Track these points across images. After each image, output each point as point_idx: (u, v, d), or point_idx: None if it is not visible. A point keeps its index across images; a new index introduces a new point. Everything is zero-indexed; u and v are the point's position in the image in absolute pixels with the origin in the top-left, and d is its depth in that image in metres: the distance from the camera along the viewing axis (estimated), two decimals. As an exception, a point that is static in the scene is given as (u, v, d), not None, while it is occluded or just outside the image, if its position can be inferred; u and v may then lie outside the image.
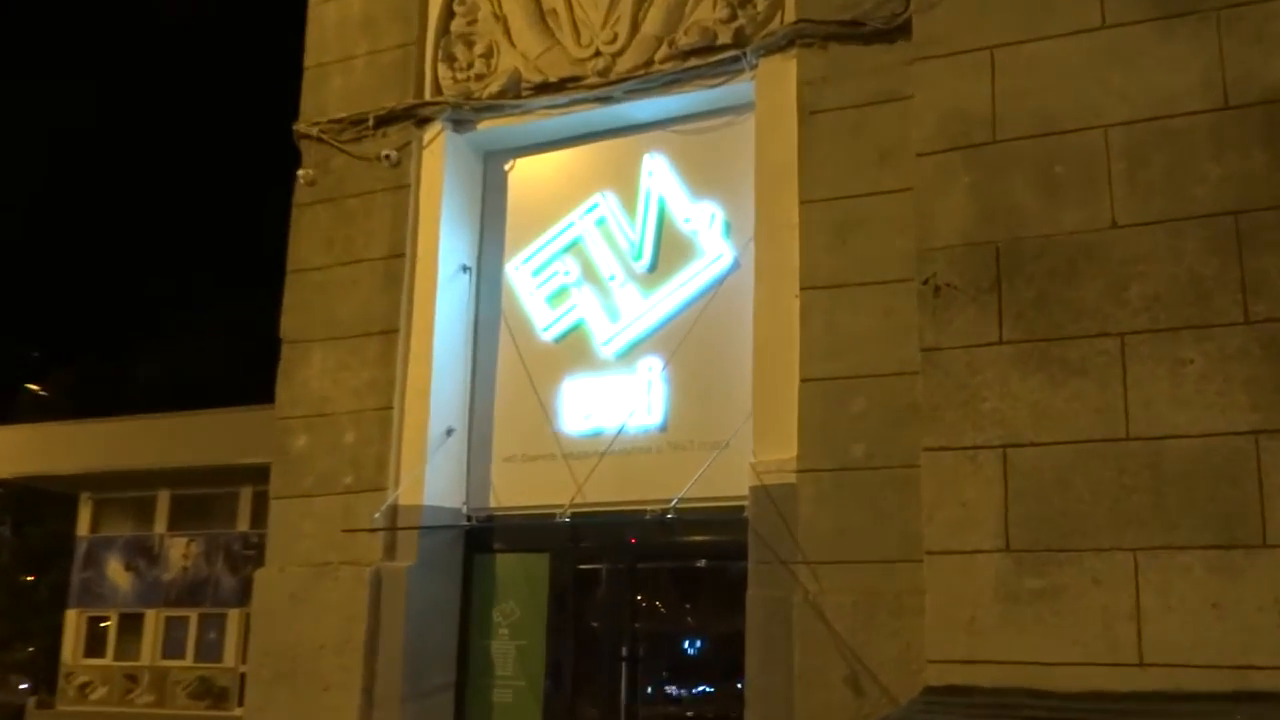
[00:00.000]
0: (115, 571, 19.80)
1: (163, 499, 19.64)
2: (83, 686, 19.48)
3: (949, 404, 5.83)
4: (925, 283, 6.03)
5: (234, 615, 18.44)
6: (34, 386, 27.21)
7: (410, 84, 8.75)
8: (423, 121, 8.66)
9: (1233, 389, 5.32)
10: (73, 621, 20.02)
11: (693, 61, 7.84)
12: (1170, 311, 5.50)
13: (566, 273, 8.39)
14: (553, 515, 7.86)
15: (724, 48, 7.73)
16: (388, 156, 8.62)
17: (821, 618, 6.48)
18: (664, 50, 7.97)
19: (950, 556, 5.68)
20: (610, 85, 8.13)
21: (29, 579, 23.72)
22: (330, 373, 8.48)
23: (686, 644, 8.29)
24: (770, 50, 7.52)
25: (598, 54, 8.20)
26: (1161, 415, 5.41)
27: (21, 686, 22.48)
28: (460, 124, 8.66)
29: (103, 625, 19.85)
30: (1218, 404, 5.34)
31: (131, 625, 19.43)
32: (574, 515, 7.83)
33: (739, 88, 7.74)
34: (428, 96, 8.72)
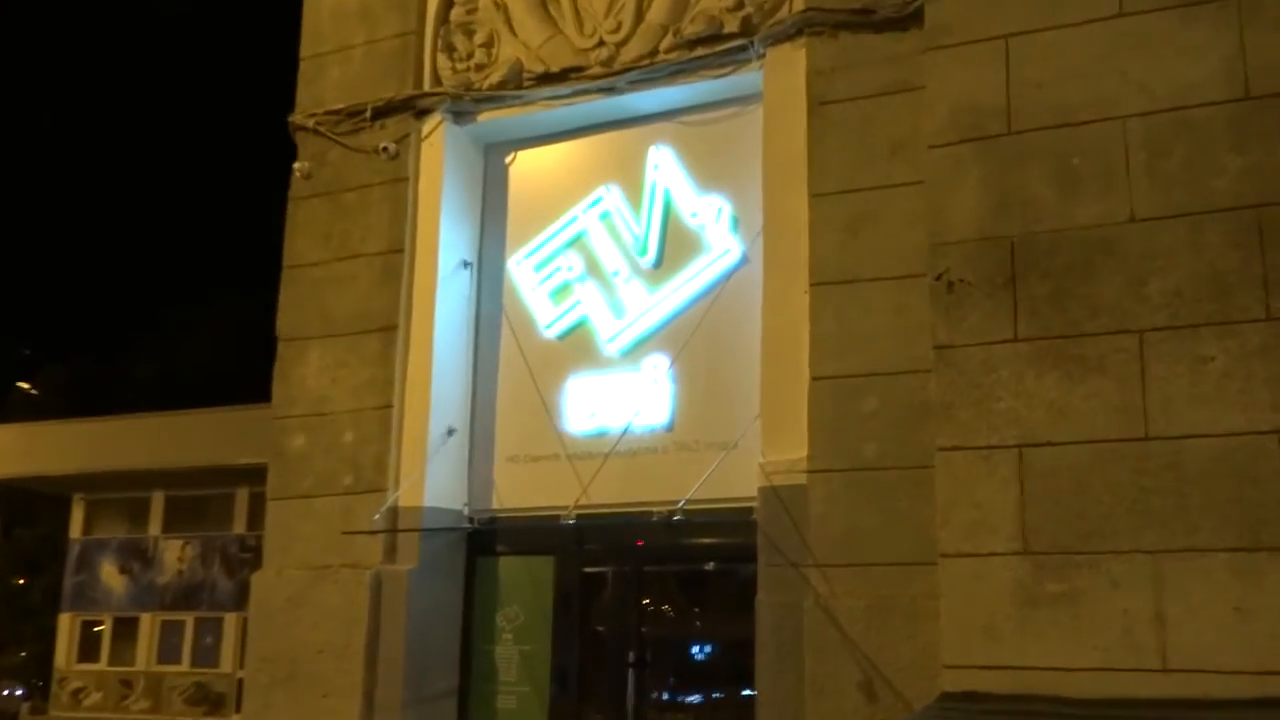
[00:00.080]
0: (109, 574, 19.84)
1: (157, 500, 19.66)
2: (76, 692, 19.53)
3: (963, 403, 5.82)
4: (938, 278, 6.02)
5: (231, 619, 18.47)
6: (25, 385, 27.25)
7: (409, 74, 8.75)
8: (422, 113, 8.66)
9: (1255, 387, 5.31)
10: (66, 626, 20.06)
11: (699, 51, 7.83)
12: (1191, 307, 5.48)
13: (570, 268, 8.39)
14: (557, 517, 7.86)
15: (731, 36, 7.72)
16: (386, 149, 8.61)
17: (833, 622, 6.48)
18: (669, 39, 7.96)
19: (966, 559, 5.67)
20: (614, 75, 8.12)
21: (20, 582, 23.78)
22: (328, 371, 8.49)
23: (695, 649, 8.29)
24: (778, 39, 7.50)
25: (601, 43, 8.19)
26: (1182, 414, 5.40)
27: (14, 693, 22.54)
28: (460, 115, 8.66)
29: (96, 629, 19.89)
30: (1240, 402, 5.32)
31: (126, 629, 19.47)
32: (579, 517, 7.83)
33: (746, 78, 7.72)
34: (427, 87, 8.71)
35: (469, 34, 8.69)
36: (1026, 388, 5.71)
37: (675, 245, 8.10)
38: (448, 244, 8.52)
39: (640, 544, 7.98)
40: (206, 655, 18.76)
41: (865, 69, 7.11)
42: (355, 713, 7.78)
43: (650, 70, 8.01)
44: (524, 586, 8.27)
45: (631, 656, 7.93)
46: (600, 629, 8.16)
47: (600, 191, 8.39)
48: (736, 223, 7.88)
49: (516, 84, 8.44)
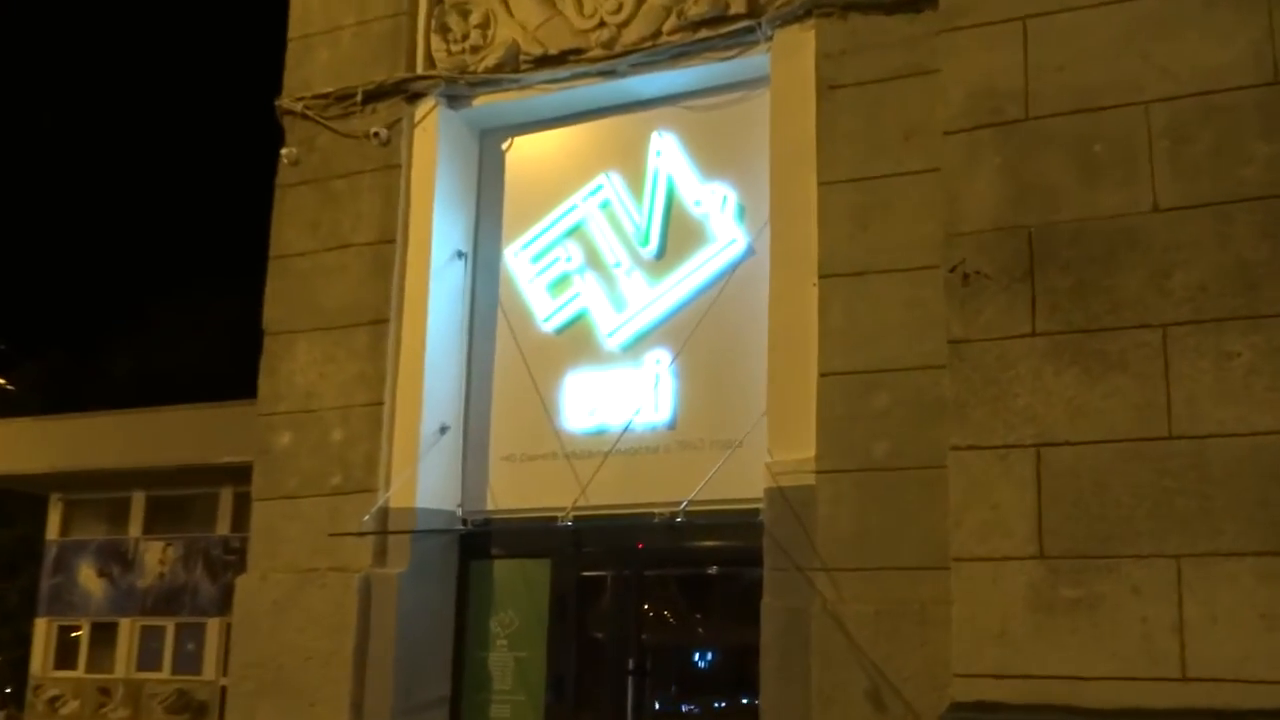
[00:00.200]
0: (87, 578, 19.84)
1: (138, 500, 19.65)
2: (53, 700, 19.53)
3: (978, 400, 5.83)
4: (953, 270, 6.02)
5: (214, 624, 18.46)
6: (0, 381, 27.29)
7: (401, 57, 8.75)
8: (414, 97, 8.66)
9: (1283, 384, 5.31)
10: (42, 631, 20.06)
11: (703, 33, 7.83)
12: (1216, 301, 5.49)
13: (568, 259, 8.40)
14: (554, 518, 7.86)
15: (737, 18, 7.72)
16: (377, 134, 8.62)
17: (841, 628, 6.49)
18: (672, 20, 7.96)
19: (979, 563, 5.68)
20: (615, 58, 8.12)
21: (-5, 586, 23.79)
22: (316, 366, 8.50)
23: (697, 656, 8.31)
24: (786, 20, 7.51)
25: (602, 24, 8.19)
26: (1206, 412, 5.40)
27: (-12, 700, 22.57)
28: (455, 99, 8.67)
29: (74, 635, 19.89)
30: (1267, 400, 5.32)
31: (104, 635, 19.47)
32: (577, 518, 7.83)
33: (753, 61, 7.73)
34: (420, 70, 8.72)
35: (464, 14, 8.70)
36: (1044, 384, 5.71)
37: (678, 235, 8.11)
38: (441, 233, 8.53)
39: (640, 547, 7.99)
40: (188, 662, 18.75)
41: (877, 51, 7.11)
42: (343, 722, 7.79)
43: (653, 53, 8.01)
44: (519, 591, 8.28)
45: (631, 664, 7.94)
46: (598, 635, 8.17)
47: (600, 179, 8.40)
48: (742, 212, 7.89)
49: (513, 67, 8.44)
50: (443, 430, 8.31)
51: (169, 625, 18.99)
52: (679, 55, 7.96)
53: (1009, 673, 5.52)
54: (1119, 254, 5.70)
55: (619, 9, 8.14)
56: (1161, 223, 5.66)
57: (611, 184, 8.36)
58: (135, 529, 19.68)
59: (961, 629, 5.68)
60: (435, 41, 8.76)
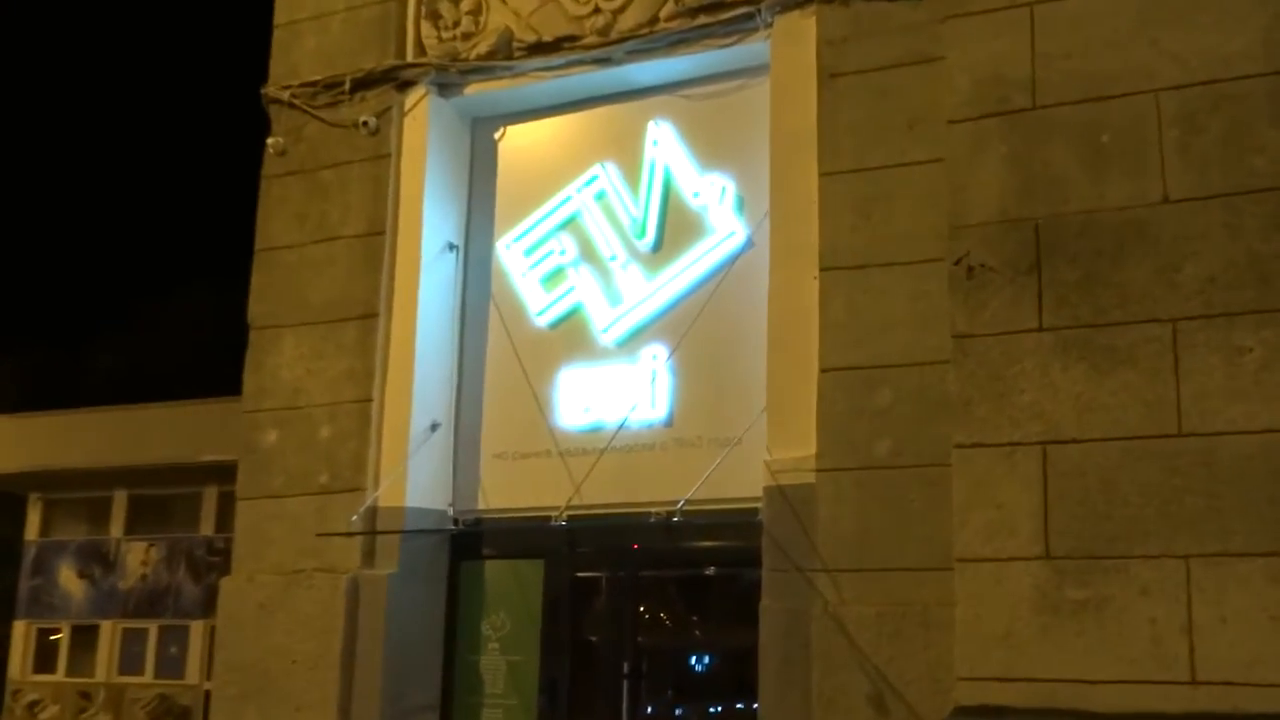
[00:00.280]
0: (67, 579, 19.82)
1: (119, 500, 19.63)
2: (32, 705, 19.52)
3: (983, 396, 5.84)
4: (957, 263, 6.03)
5: (197, 627, 18.44)
6: (-23, 376, 27.23)
7: (390, 43, 8.75)
8: (404, 85, 8.66)
9: (1295, 380, 5.33)
10: (20, 633, 20.04)
11: (701, 19, 7.83)
12: (1227, 295, 5.50)
13: (562, 252, 8.40)
14: (547, 518, 7.87)
15: (736, 4, 7.72)
16: (366, 123, 8.61)
17: (842, 631, 6.50)
18: (670, 7, 7.96)
19: (984, 564, 5.69)
20: (610, 45, 8.12)
21: (-27, 587, 23.76)
22: (303, 361, 8.50)
23: (694, 660, 8.32)
24: (787, 7, 7.50)
25: (597, 10, 8.19)
26: (1217, 409, 5.41)
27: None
28: (445, 88, 8.66)
29: (53, 638, 19.87)
30: (1279, 396, 5.33)
31: (85, 638, 19.45)
32: (571, 518, 7.84)
33: (753, 48, 7.73)
34: (410, 57, 8.71)
35: (455, 0, 8.69)
36: (1051, 380, 5.72)
37: (676, 228, 8.11)
38: (432, 225, 8.52)
39: (636, 547, 8.01)
40: (171, 666, 18.73)
41: (880, 38, 7.11)
42: (330, 727, 7.80)
43: (649, 40, 8.01)
44: (511, 592, 8.28)
45: (626, 667, 7.95)
46: (593, 638, 8.18)
47: (595, 170, 8.39)
48: (741, 203, 7.89)
49: (506, 54, 8.44)
50: (433, 427, 8.31)
51: (151, 628, 18.97)
52: (676, 42, 7.95)
53: (1014, 676, 5.53)
54: (1127, 246, 5.71)
55: (615, -6, 8.15)
56: (1171, 214, 5.67)
57: (607, 174, 8.36)
58: (117, 529, 19.65)
59: (966, 631, 5.70)
60: (426, 28, 8.75)
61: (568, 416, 8.18)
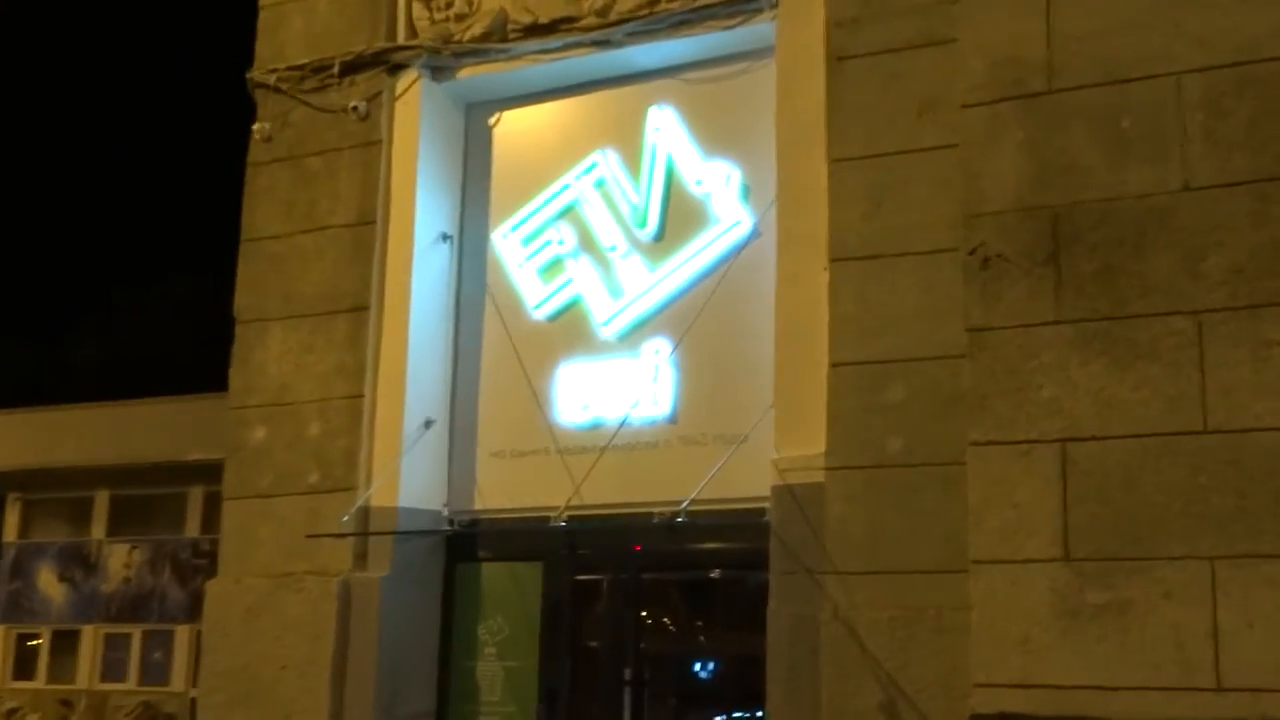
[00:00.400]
0: (47, 583, 19.84)
1: (101, 500, 19.65)
2: (11, 713, 19.55)
3: (999, 392, 5.83)
4: (972, 253, 6.02)
5: (182, 632, 18.46)
6: (-48, 372, 27.23)
7: (381, 25, 8.74)
8: (395, 68, 8.65)
9: (1325, 374, 5.32)
10: (-1, 639, 20.08)
11: (704, -1, 7.83)
12: (1253, 286, 5.47)
13: (561, 242, 8.39)
14: (546, 519, 7.87)
15: (741, -17, 7.72)
16: (355, 108, 8.61)
17: (853, 636, 6.50)
18: (672, -14, 7.96)
19: (1001, 566, 5.68)
20: (610, 27, 8.11)
21: (-51, 591, 23.77)
22: (292, 356, 8.50)
23: (698, 666, 8.32)
24: (794, -14, 7.49)
25: (596, -10, 8.19)
26: (1244, 405, 5.39)
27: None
28: (438, 71, 8.65)
29: (33, 644, 19.90)
30: (1308, 392, 5.33)
31: (66, 643, 19.47)
32: (570, 519, 7.83)
33: (758, 29, 7.71)
34: (401, 40, 8.70)
35: (448, -20, 8.69)
36: (1070, 375, 5.71)
37: (678, 217, 8.10)
38: (425, 215, 8.52)
39: (638, 549, 8.00)
40: (156, 672, 18.75)
41: (890, 19, 7.09)
42: (321, 735, 7.80)
43: (650, 21, 8.00)
44: (509, 596, 8.29)
45: (628, 674, 7.95)
46: (594, 644, 8.18)
47: (595, 157, 8.39)
48: (747, 191, 7.88)
49: (501, 36, 8.42)
50: (427, 425, 8.30)
51: (135, 633, 18.99)
52: (678, 24, 7.94)
53: (1032, 682, 5.52)
54: (1149, 236, 5.69)
55: (614, -26, 8.14)
56: (1194, 202, 5.65)
57: (607, 162, 8.35)
58: (99, 530, 19.67)
59: (981, 636, 5.69)
60: (417, 9, 8.74)
61: (567, 413, 8.18)
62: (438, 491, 8.38)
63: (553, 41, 8.30)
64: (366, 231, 8.48)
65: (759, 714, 7.07)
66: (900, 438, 6.65)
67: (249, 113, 9.09)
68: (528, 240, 8.52)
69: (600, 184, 8.37)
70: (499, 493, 8.32)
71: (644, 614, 8.20)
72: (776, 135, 7.48)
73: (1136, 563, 5.44)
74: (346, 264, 8.49)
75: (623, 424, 7.82)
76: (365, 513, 8.08)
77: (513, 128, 8.85)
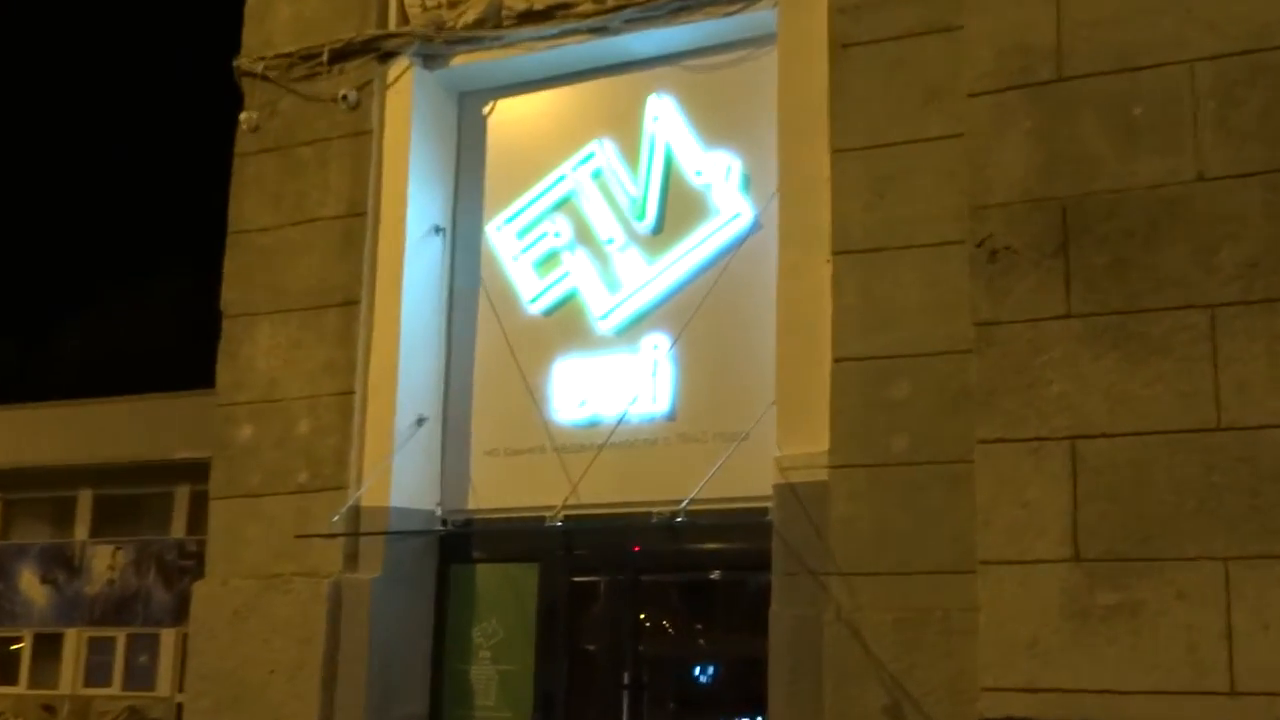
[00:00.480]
0: (29, 584, 19.86)
1: (84, 500, 19.68)
2: (-7, 718, 19.56)
3: (1007, 388, 5.83)
4: (979, 246, 6.02)
5: (168, 635, 18.49)
6: (-68, 369, 27.21)
7: (372, 11, 8.73)
8: (386, 56, 8.64)
9: (1342, 370, 5.32)
10: (-20, 643, 20.09)
11: (705, -16, 7.82)
12: (1268, 279, 5.48)
13: (557, 234, 8.38)
14: (542, 519, 7.85)
15: (741, -31, 7.71)
16: (345, 97, 8.59)
17: (857, 638, 6.49)
18: (671, -29, 7.95)
19: (1009, 567, 5.69)
20: (607, 13, 8.09)
21: (-71, 593, 23.77)
22: (280, 351, 8.49)
23: (698, 669, 8.32)
24: (796, -29, 7.49)
25: (593, -24, 8.18)
26: (1258, 401, 5.40)
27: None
28: (431, 59, 8.64)
29: (14, 648, 19.92)
30: (1324, 388, 5.33)
31: (49, 647, 19.51)
32: (567, 519, 7.84)
33: (759, 16, 7.71)
34: (392, 27, 8.69)
35: (441, -35, 8.67)
36: (1080, 371, 5.71)
37: (677, 208, 8.09)
38: (416, 206, 8.51)
39: (637, 549, 7.99)
40: (141, 676, 18.78)
41: (895, 6, 7.08)
42: (311, 741, 7.80)
43: (649, 7, 7.98)
44: (504, 598, 8.28)
45: (626, 678, 7.95)
46: (591, 647, 8.17)
47: (592, 146, 8.38)
48: (748, 182, 7.87)
49: (495, 23, 8.41)
50: (419, 422, 8.30)
51: (119, 636, 19.01)
52: (678, 10, 7.92)
53: (1041, 686, 5.53)
54: (1161, 227, 5.69)
55: (612, -42, 8.13)
56: (1208, 193, 5.65)
57: (604, 152, 8.34)
58: (82, 531, 19.69)
59: (989, 638, 5.69)
60: (409, -5, 8.73)
61: (563, 410, 8.17)
62: (430, 491, 8.37)
63: (548, 28, 8.29)
64: (357, 224, 8.47)
65: (760, 719, 7.07)
66: (906, 435, 6.64)
67: (236, 102, 9.08)
68: (523, 233, 8.51)
69: (597, 175, 8.36)
70: (493, 492, 8.31)
71: (643, 616, 8.20)
72: (778, 125, 7.48)
73: (1148, 563, 5.44)
74: (336, 257, 8.47)
75: (620, 421, 7.82)
76: (356, 512, 8.07)
77: (507, 117, 8.83)
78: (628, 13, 8.04)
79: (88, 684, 19.07)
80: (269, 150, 8.85)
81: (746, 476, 7.17)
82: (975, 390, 5.97)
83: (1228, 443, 5.41)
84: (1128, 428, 5.58)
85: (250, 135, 8.92)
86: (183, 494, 18.60)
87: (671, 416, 7.87)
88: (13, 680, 19.83)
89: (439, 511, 8.39)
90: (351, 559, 8.05)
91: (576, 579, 8.21)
